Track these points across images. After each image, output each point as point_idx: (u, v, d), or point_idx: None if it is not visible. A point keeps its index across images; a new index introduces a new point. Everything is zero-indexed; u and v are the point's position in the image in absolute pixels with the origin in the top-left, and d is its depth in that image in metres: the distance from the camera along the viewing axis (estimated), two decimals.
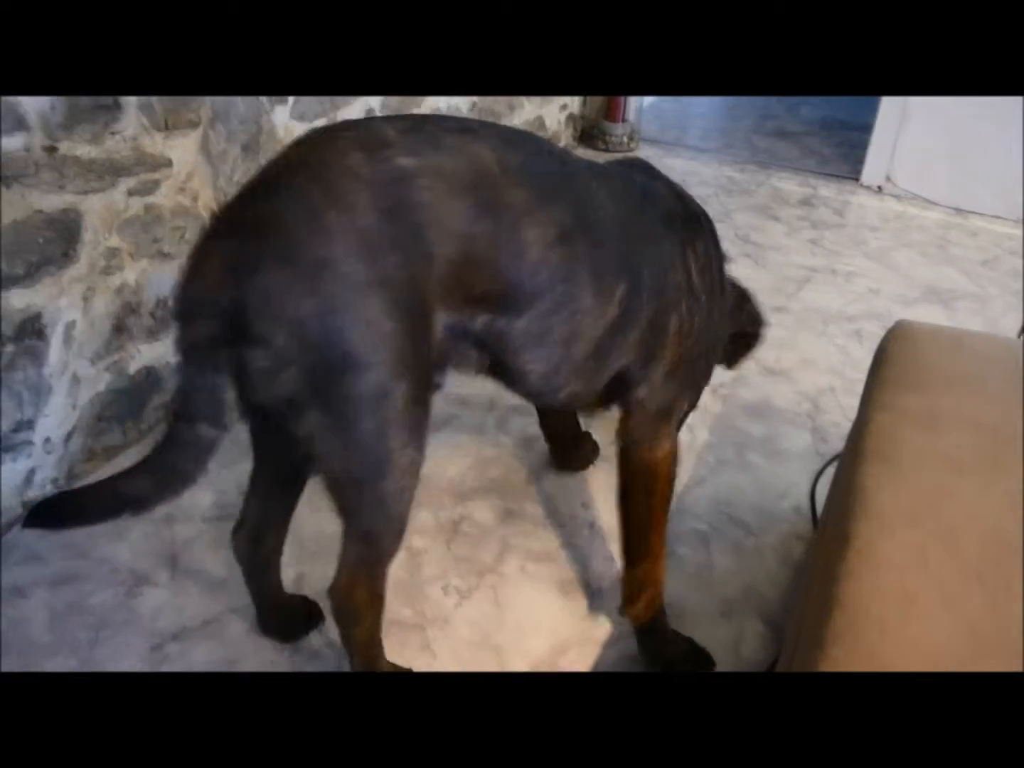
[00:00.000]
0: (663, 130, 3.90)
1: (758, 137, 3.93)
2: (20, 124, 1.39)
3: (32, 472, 1.57)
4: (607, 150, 3.51)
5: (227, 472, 1.69)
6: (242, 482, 1.64)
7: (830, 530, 1.05)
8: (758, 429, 1.91)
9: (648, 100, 3.99)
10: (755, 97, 4.51)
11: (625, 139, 3.60)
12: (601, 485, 1.71)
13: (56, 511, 1.09)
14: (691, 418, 1.95)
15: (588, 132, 3.66)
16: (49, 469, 1.60)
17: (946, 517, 0.95)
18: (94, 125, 1.51)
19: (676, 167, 3.47)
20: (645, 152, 3.53)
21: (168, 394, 1.84)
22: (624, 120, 3.59)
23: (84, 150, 1.51)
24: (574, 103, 3.64)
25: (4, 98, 1.35)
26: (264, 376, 0.99)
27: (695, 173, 3.45)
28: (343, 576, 1.14)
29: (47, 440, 1.58)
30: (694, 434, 1.87)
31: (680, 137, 3.90)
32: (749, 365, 2.15)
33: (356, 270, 0.97)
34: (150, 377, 1.78)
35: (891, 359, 1.27)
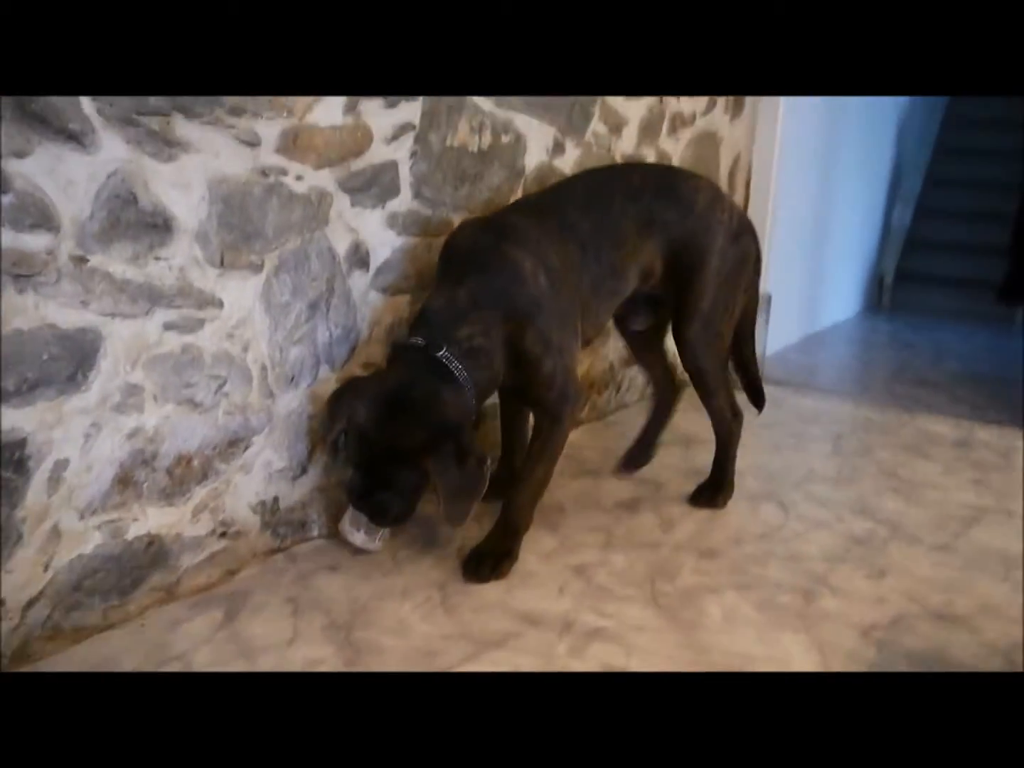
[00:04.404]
0: (790, 374, 3.61)
1: (897, 385, 3.58)
2: (47, 222, 1.23)
3: None
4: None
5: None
6: None
7: None
8: None
9: (771, 348, 3.74)
10: (889, 350, 4.22)
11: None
12: None
13: None
14: (838, 663, 1.47)
15: None
16: None
17: None
18: (137, 244, 1.35)
19: (805, 406, 3.13)
20: (771, 393, 3.17)
21: (174, 573, 1.51)
22: None
23: (119, 268, 1.33)
24: None
25: (32, 194, 1.21)
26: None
27: (827, 413, 3.09)
28: None
29: (1, 603, 1.26)
30: None
31: (809, 379, 3.59)
32: (907, 606, 1.66)
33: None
34: (152, 548, 1.47)
35: None
